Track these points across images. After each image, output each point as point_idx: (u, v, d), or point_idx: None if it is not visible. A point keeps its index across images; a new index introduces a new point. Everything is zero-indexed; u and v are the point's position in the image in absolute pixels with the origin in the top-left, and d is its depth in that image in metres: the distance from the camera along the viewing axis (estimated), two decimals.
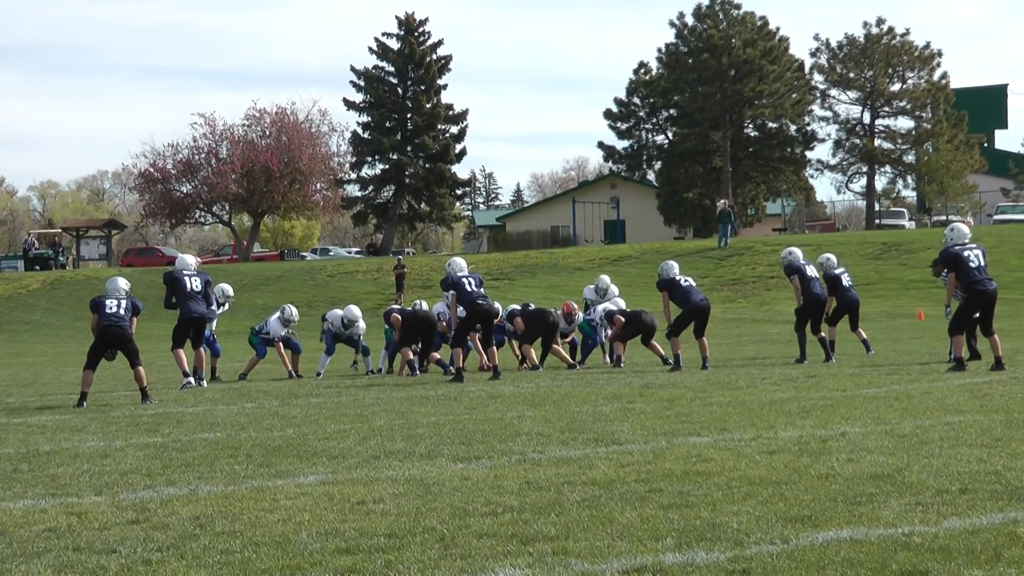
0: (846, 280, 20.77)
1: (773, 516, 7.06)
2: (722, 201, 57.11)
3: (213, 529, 7.23)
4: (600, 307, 21.70)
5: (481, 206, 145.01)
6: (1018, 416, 11.31)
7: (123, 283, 16.94)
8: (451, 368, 19.14)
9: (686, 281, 19.78)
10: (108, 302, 16.47)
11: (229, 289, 22.27)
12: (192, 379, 18.60)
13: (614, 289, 22.76)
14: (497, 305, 20.75)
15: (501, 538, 6.73)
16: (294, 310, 21.80)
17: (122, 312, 16.39)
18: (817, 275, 20.26)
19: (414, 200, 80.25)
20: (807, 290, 19.92)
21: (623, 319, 20.92)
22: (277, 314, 21.64)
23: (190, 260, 19.72)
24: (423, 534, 6.89)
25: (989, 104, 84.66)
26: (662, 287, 19.71)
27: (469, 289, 18.69)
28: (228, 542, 6.87)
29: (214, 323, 21.61)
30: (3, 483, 9.25)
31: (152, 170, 73.06)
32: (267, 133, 74.22)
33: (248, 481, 8.94)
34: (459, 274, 18.90)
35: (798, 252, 20.61)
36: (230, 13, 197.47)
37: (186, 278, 18.82)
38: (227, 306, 22.20)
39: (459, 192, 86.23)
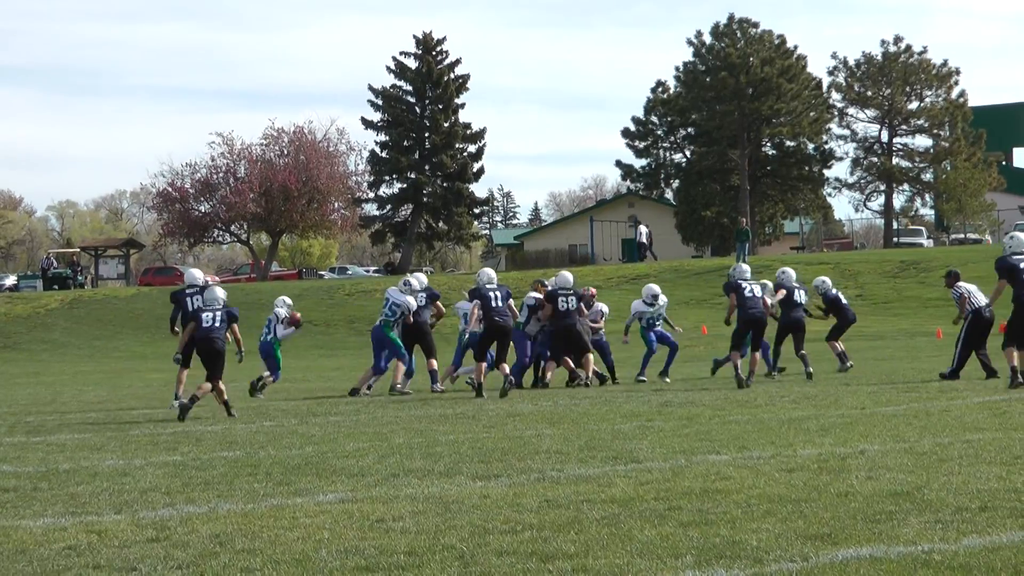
0: (844, 299, 22.73)
1: (793, 534, 7.05)
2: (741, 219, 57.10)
3: (233, 547, 7.25)
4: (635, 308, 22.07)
5: (499, 225, 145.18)
6: None
7: (220, 293, 16.76)
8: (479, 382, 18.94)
9: (750, 291, 19.48)
10: (205, 315, 16.31)
11: (288, 300, 21.55)
12: (178, 402, 17.11)
13: (663, 298, 22.31)
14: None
15: (521, 556, 6.73)
16: (286, 299, 21.33)
17: (218, 325, 16.29)
18: (760, 294, 19.79)
19: (432, 219, 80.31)
20: (742, 305, 19.38)
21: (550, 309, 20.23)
22: (281, 325, 20.85)
23: (198, 274, 19.48)
24: (442, 552, 6.89)
25: (1007, 122, 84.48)
26: (728, 290, 19.77)
27: (493, 304, 18.83)
28: (248, 560, 6.88)
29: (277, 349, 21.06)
30: (23, 501, 9.28)
31: (170, 189, 73.14)
32: (285, 152, 74.27)
33: (267, 499, 8.96)
34: (487, 286, 19.02)
35: (744, 268, 20.28)
36: (248, 33, 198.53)
37: (189, 298, 18.50)
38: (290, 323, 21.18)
39: (477, 211, 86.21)
